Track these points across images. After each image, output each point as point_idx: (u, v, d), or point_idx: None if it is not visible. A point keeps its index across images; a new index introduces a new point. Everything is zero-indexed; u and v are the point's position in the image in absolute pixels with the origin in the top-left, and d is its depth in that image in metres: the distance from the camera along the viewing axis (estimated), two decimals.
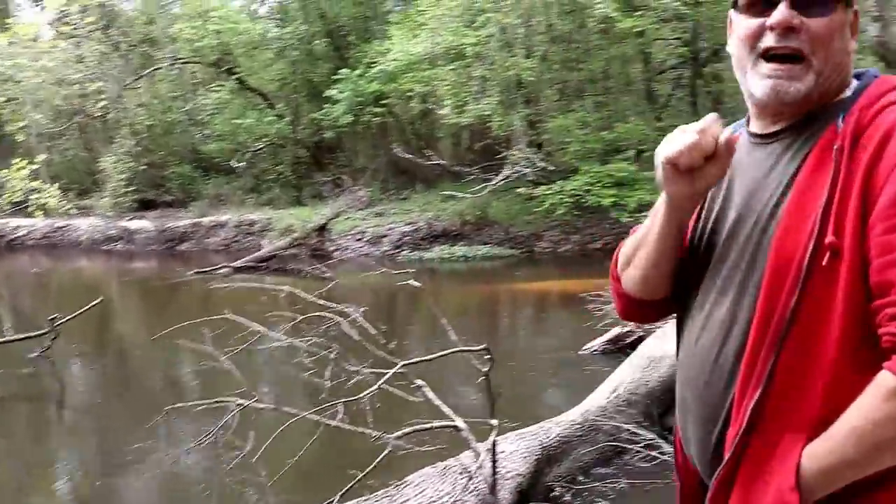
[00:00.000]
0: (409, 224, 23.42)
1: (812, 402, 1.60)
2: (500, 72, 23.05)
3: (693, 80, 25.39)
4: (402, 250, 22.59)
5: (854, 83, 1.78)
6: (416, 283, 7.79)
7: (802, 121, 1.78)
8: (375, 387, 6.26)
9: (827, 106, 1.76)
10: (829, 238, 1.58)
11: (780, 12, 1.72)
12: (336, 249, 22.96)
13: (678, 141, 1.75)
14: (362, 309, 7.46)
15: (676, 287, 1.97)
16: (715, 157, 1.75)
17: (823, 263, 1.58)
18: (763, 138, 1.84)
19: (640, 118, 24.56)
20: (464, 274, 20.81)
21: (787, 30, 1.72)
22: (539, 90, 26.41)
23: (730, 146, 1.74)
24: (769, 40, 1.75)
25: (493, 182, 22.12)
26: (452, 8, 22.28)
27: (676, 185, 1.79)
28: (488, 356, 7.12)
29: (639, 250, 1.98)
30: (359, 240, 23.34)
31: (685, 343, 1.92)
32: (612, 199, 20.94)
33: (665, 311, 2.06)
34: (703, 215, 1.93)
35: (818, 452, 1.57)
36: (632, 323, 10.69)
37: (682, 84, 26.30)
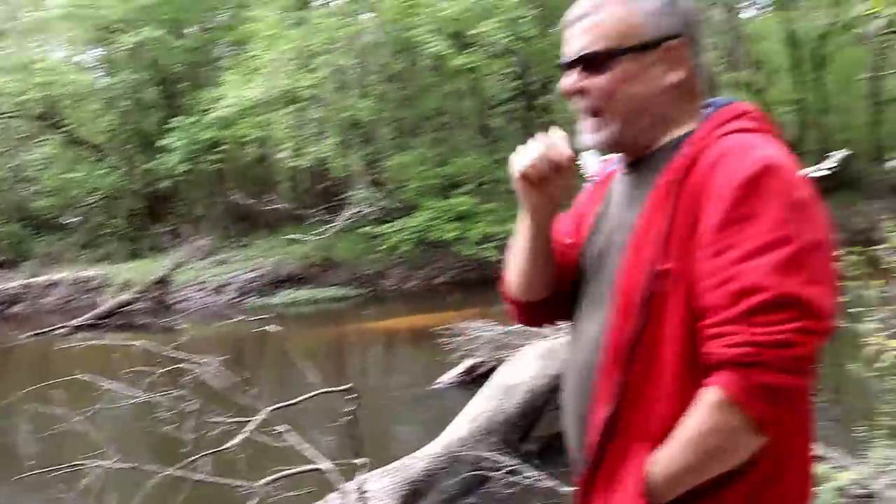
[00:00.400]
0: (252, 270, 23.16)
1: (657, 415, 1.73)
2: (337, 113, 23.16)
3: (526, 113, 26.10)
4: (248, 297, 22.29)
5: (705, 113, 1.91)
6: (276, 328, 7.74)
7: (648, 155, 1.91)
8: (241, 436, 6.18)
9: (673, 140, 1.88)
10: (665, 265, 1.73)
11: (564, 81, 1.91)
12: (180, 301, 22.45)
13: (527, 154, 1.91)
14: (221, 358, 7.35)
15: (571, 300, 2.09)
16: (561, 170, 1.90)
17: (660, 289, 1.73)
18: (625, 168, 1.97)
19: (477, 152, 25.07)
20: (312, 317, 20.68)
21: (576, 92, 1.89)
22: (376, 129, 26.64)
23: (571, 159, 1.90)
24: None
25: (336, 223, 22.13)
26: (286, 52, 22.25)
27: (528, 195, 1.96)
28: (353, 395, 7.13)
29: (515, 257, 2.11)
30: (202, 290, 22.90)
31: (568, 355, 2.06)
32: (455, 233, 21.26)
33: (555, 313, 2.16)
34: (590, 231, 2.06)
35: (660, 460, 1.70)
36: (524, 325, 10.90)
37: (515, 117, 26.99)
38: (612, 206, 2.00)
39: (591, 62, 1.86)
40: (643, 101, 1.86)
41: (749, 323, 1.57)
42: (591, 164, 2.09)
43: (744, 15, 33.19)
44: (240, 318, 10.43)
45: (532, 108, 25.62)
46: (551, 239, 2.05)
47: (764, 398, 1.57)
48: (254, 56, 23.32)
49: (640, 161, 1.92)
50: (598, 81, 1.86)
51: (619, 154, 1.97)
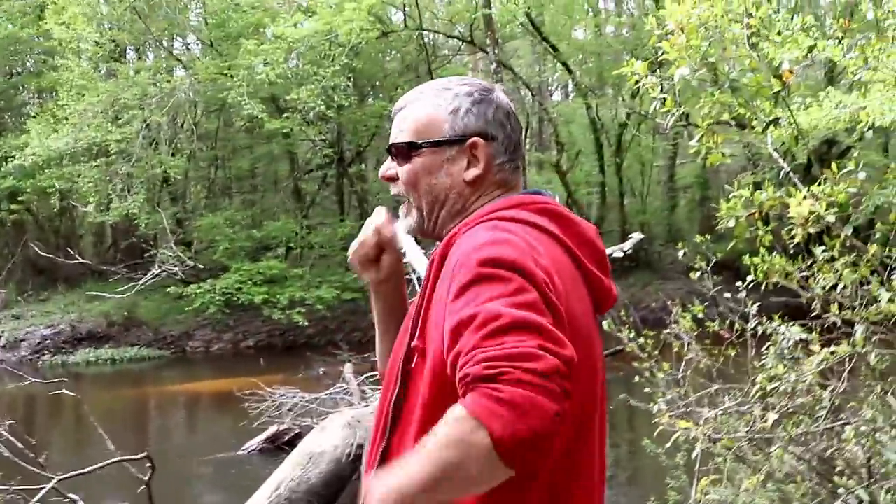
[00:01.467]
0: (49, 327, 22.23)
1: None
2: (147, 169, 22.69)
3: (339, 180, 26.29)
4: (43, 355, 21.34)
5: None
6: (69, 392, 7.49)
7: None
8: None
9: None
10: (415, 342, 1.86)
11: (382, 166, 2.11)
12: None
13: (357, 239, 2.15)
14: (7, 422, 7.07)
15: None
16: (388, 248, 2.14)
17: (412, 365, 1.87)
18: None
19: (289, 216, 25.04)
20: (112, 377, 20.02)
21: (389, 179, 2.08)
22: (186, 188, 26.27)
23: (390, 238, 2.12)
24: None
25: (142, 281, 21.55)
26: (95, 103, 21.69)
27: (365, 274, 2.18)
28: (149, 464, 6.97)
29: (376, 333, 2.27)
30: None
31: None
32: (264, 297, 21.11)
33: None
34: None
35: (398, 470, 1.60)
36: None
37: (328, 183, 27.12)
38: None
39: (398, 152, 2.04)
40: (440, 192, 2.01)
41: (490, 342, 1.58)
42: (409, 243, 2.20)
43: (553, 97, 34.82)
44: (32, 381, 9.96)
45: (345, 175, 25.85)
46: (398, 313, 2.18)
47: (502, 410, 1.49)
48: (62, 105, 22.62)
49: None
50: (402, 171, 2.03)
51: (428, 238, 2.12)
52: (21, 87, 28.79)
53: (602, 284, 1.96)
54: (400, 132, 2.03)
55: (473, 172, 1.99)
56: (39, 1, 24.21)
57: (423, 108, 2.02)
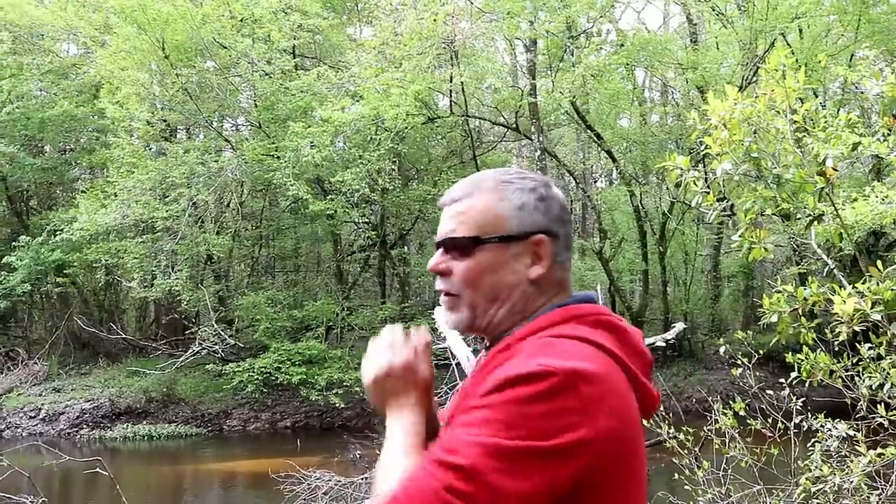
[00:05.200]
0: (89, 401, 22.31)
1: None
2: (191, 247, 22.95)
3: (381, 262, 26.41)
4: (82, 429, 21.38)
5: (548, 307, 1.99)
6: (103, 472, 7.47)
7: (492, 341, 2.00)
8: None
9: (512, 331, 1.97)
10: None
11: (432, 259, 2.01)
12: (6, 428, 21.39)
13: (384, 363, 1.97)
14: (41, 499, 7.06)
15: None
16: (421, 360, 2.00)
17: None
18: (483, 346, 2.08)
19: (330, 297, 25.13)
20: (148, 454, 19.98)
21: (440, 273, 2.00)
22: (230, 266, 26.53)
23: (426, 347, 2.01)
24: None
25: (182, 358, 21.67)
26: (144, 181, 22.08)
27: (407, 391, 1.97)
28: None
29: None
30: (33, 417, 21.88)
31: None
32: (302, 377, 21.07)
33: None
34: None
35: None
36: None
37: (370, 265, 27.26)
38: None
39: (456, 246, 1.97)
40: (502, 289, 1.95)
41: (430, 466, 1.67)
42: (448, 330, 2.14)
43: (597, 185, 34.97)
44: (68, 458, 9.96)
45: (388, 257, 25.98)
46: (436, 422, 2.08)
47: None
48: (111, 181, 23.05)
49: (493, 342, 2.00)
50: (460, 266, 1.96)
51: (473, 333, 2.07)
52: (73, 163, 29.41)
53: (650, 392, 1.91)
54: (460, 225, 1.96)
55: (537, 271, 1.95)
56: (95, 80, 24.84)
57: (486, 201, 1.96)
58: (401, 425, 1.96)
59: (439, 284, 2.02)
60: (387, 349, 2.01)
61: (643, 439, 1.89)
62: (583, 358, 1.75)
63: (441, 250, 2.00)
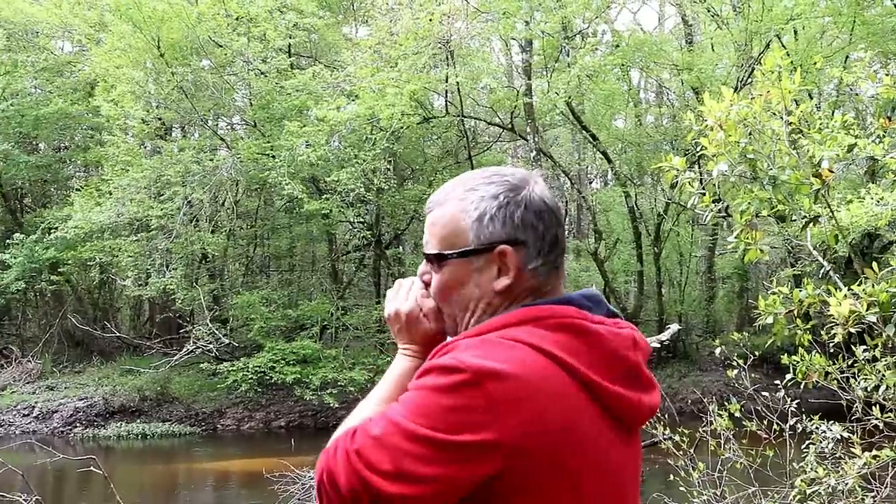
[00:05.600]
0: (82, 399, 22.27)
1: None
2: (185, 245, 22.92)
3: (376, 262, 26.38)
4: (75, 427, 21.33)
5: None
6: (97, 470, 7.45)
7: None
8: None
9: None
10: None
11: (419, 268, 2.07)
12: None
13: (410, 299, 2.06)
14: (34, 497, 7.04)
15: None
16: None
17: None
18: None
19: (325, 296, 25.10)
20: (142, 452, 19.95)
21: (425, 284, 2.04)
22: (224, 265, 26.49)
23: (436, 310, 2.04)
24: None
25: (176, 357, 21.63)
26: (139, 179, 22.05)
27: (423, 327, 2.05)
28: None
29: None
30: (26, 415, 21.83)
31: None
32: (296, 377, 21.04)
33: None
34: None
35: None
36: None
37: (365, 265, 27.24)
38: None
39: (429, 260, 2.00)
40: (468, 302, 1.95)
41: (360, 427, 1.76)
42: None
43: (592, 185, 34.97)
44: (62, 456, 9.94)
45: (383, 257, 25.95)
46: None
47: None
48: (106, 179, 23.02)
49: None
50: (434, 279, 1.99)
51: None
52: (68, 161, 29.39)
53: (625, 402, 1.85)
54: (431, 238, 1.98)
55: (503, 282, 1.91)
56: (90, 78, 24.80)
57: (452, 214, 1.94)
58: (394, 369, 2.06)
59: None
60: (396, 295, 2.10)
61: (600, 447, 1.82)
62: (505, 360, 1.72)
63: (425, 260, 2.04)
